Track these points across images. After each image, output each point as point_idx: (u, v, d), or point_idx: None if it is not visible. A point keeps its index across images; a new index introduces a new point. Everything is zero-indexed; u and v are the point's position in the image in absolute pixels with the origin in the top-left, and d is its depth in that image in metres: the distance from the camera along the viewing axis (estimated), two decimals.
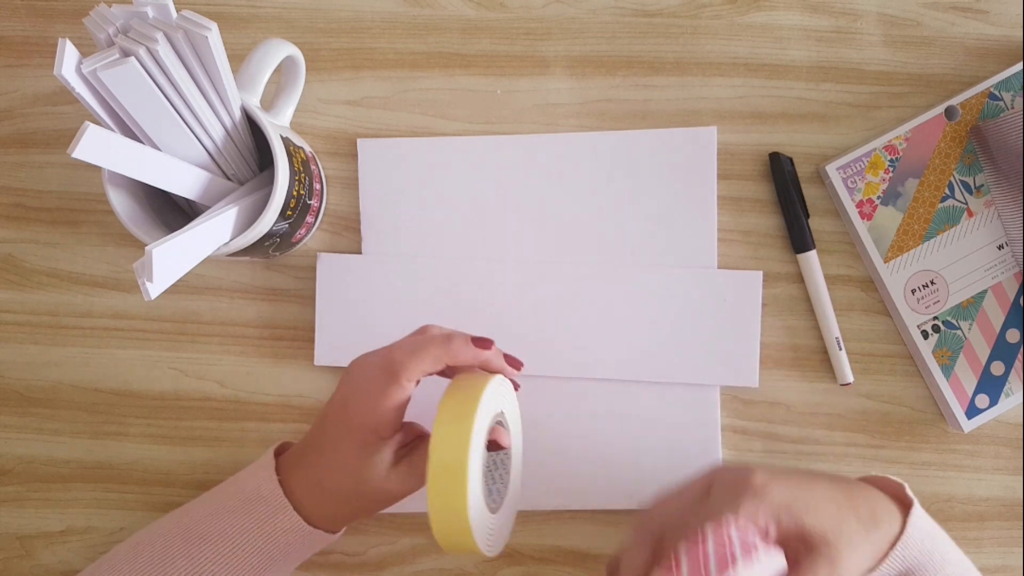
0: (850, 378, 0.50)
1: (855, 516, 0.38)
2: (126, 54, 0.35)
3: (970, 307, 0.50)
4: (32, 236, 0.51)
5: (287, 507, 0.41)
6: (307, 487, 0.42)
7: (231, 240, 0.41)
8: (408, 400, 0.41)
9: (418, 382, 0.41)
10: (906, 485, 0.42)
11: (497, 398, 0.40)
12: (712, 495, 0.38)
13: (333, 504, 0.42)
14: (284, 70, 0.47)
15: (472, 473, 0.35)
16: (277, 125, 0.45)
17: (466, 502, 0.35)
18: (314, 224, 0.49)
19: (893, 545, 0.39)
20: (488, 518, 0.38)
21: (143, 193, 0.43)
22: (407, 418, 0.42)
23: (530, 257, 0.51)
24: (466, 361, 0.41)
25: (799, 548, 0.37)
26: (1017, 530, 0.51)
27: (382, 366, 0.41)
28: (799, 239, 0.50)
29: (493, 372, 0.41)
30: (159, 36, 0.35)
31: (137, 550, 0.43)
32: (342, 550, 0.51)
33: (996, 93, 0.49)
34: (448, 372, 0.42)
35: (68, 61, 0.34)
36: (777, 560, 0.35)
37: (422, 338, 0.41)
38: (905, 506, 0.40)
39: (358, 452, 0.41)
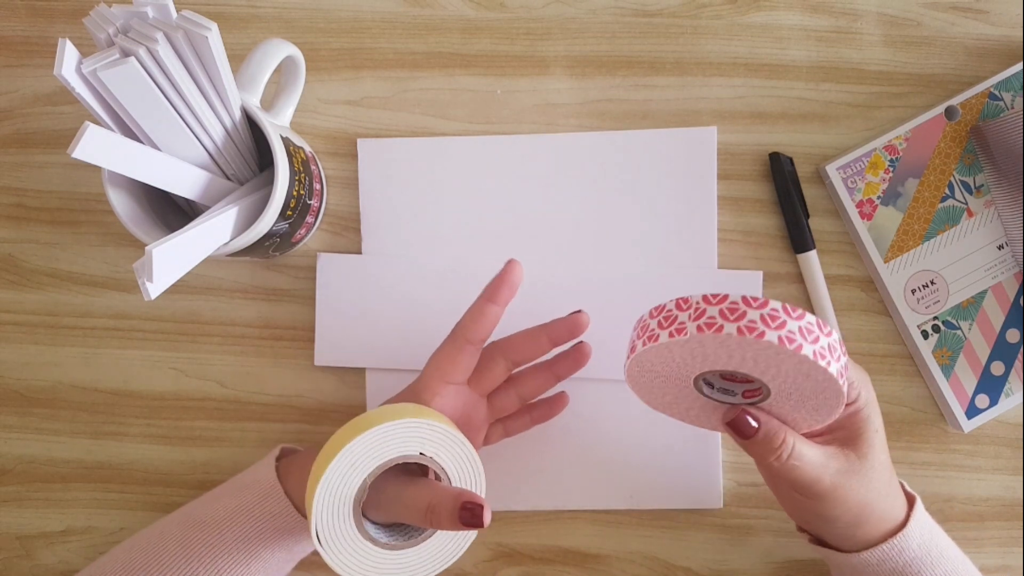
0: None
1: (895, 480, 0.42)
2: (126, 54, 0.35)
3: (970, 307, 0.50)
4: (32, 236, 0.51)
5: (277, 489, 0.42)
6: (303, 480, 0.42)
7: (231, 240, 0.41)
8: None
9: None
10: (904, 484, 0.43)
11: (410, 441, 0.38)
12: None
13: None
14: (284, 70, 0.47)
15: (341, 469, 0.36)
16: (277, 125, 0.45)
17: (315, 489, 0.36)
18: (314, 224, 0.49)
19: (895, 533, 0.41)
20: (366, 549, 0.37)
21: (143, 193, 0.43)
22: None
23: (530, 257, 0.50)
24: (484, 322, 0.41)
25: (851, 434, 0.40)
26: (1017, 530, 0.51)
27: (412, 388, 0.43)
28: (799, 239, 0.50)
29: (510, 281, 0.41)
30: (159, 36, 0.35)
31: (136, 539, 0.44)
32: None
33: (996, 93, 0.49)
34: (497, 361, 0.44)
35: (68, 61, 0.34)
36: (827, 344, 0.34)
37: (438, 351, 0.43)
38: (909, 501, 0.42)
39: None
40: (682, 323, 0.34)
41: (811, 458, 0.38)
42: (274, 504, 0.42)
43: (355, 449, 0.36)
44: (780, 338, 0.32)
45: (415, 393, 0.42)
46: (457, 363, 0.42)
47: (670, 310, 0.35)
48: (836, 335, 0.34)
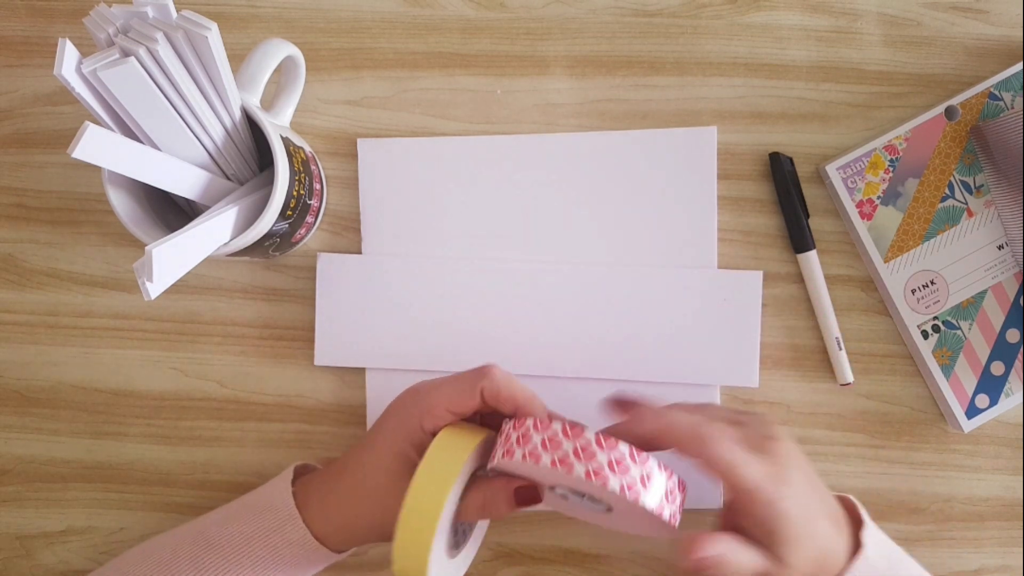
0: (850, 378, 0.50)
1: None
2: (126, 54, 0.35)
3: (970, 307, 0.50)
4: (32, 236, 0.51)
5: (296, 518, 0.41)
6: (322, 508, 0.42)
7: (231, 240, 0.41)
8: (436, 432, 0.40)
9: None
10: (859, 504, 0.43)
11: (486, 454, 0.40)
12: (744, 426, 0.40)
13: (346, 528, 0.42)
14: (284, 70, 0.47)
15: (439, 533, 0.36)
16: (277, 125, 0.45)
17: (427, 557, 0.35)
18: (314, 224, 0.49)
19: (852, 560, 0.40)
20: (444, 565, 0.39)
21: (143, 193, 0.43)
22: None
23: (530, 257, 0.51)
24: (504, 395, 0.39)
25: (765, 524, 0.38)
26: (1017, 530, 0.51)
27: (412, 394, 0.42)
28: (799, 239, 0.50)
29: (530, 414, 0.39)
30: (159, 36, 0.35)
31: (147, 553, 0.43)
32: (343, 557, 0.51)
33: (996, 93, 0.49)
34: (494, 408, 0.41)
35: (68, 61, 0.34)
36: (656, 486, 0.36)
37: (459, 372, 0.41)
38: (856, 523, 0.42)
39: (383, 475, 0.41)
40: (536, 451, 0.36)
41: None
42: (292, 532, 0.41)
43: (440, 524, 0.36)
44: (621, 486, 0.35)
45: (419, 412, 0.41)
46: (467, 405, 0.40)
47: (527, 431, 0.37)
48: (675, 478, 0.37)
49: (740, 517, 0.39)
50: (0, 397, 0.51)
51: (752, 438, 0.39)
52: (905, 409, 0.51)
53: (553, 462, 0.35)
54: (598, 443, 0.35)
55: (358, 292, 0.50)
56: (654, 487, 0.36)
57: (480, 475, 0.41)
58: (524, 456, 0.36)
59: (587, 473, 0.34)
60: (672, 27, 0.51)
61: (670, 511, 0.36)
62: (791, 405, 0.51)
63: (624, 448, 0.35)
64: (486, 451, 0.40)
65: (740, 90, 0.51)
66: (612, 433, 0.39)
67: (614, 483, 0.34)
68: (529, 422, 0.37)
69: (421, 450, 0.39)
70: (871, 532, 0.41)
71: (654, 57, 0.51)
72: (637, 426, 0.40)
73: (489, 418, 0.43)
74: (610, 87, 0.51)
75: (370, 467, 0.41)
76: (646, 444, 0.38)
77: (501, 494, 0.38)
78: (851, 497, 0.43)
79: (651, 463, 0.36)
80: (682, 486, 0.38)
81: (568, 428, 0.36)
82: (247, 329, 0.51)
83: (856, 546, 0.40)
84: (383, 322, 0.50)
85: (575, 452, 0.35)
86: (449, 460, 0.37)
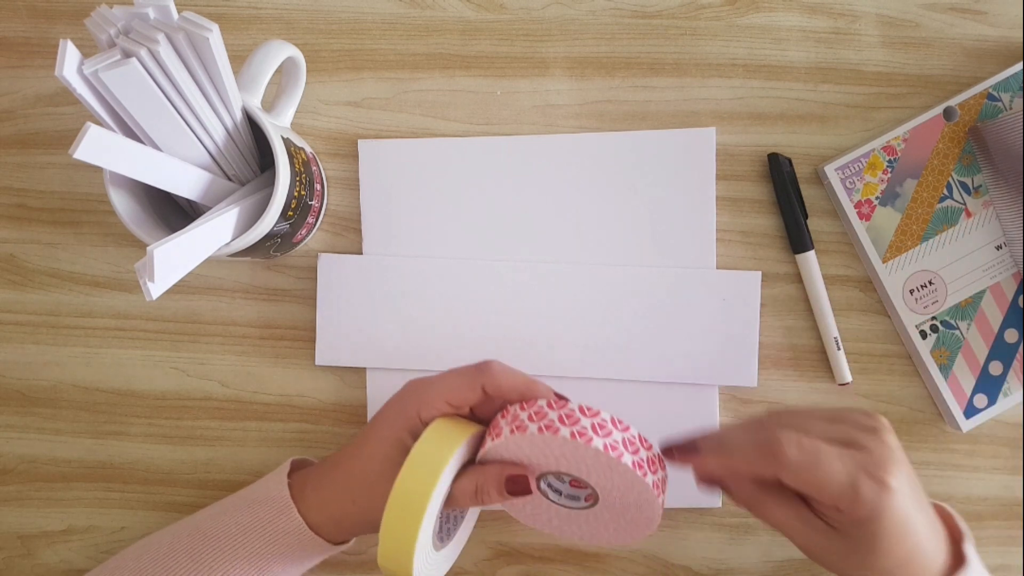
0: (848, 378, 0.50)
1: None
2: (127, 55, 0.35)
3: (968, 307, 0.50)
4: (34, 236, 0.51)
5: (291, 508, 0.42)
6: (318, 498, 0.42)
7: (232, 240, 0.41)
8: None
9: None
10: (958, 516, 0.41)
11: (477, 447, 0.40)
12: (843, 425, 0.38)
13: (341, 518, 0.42)
14: (285, 71, 0.47)
15: (427, 519, 0.36)
16: (278, 126, 0.45)
17: (414, 539, 0.36)
18: (315, 224, 0.49)
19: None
20: (431, 555, 0.39)
21: (144, 193, 0.44)
22: None
23: (530, 257, 0.51)
24: (507, 386, 0.40)
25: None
26: (1016, 529, 0.51)
27: (412, 386, 0.43)
28: (798, 239, 0.50)
29: (534, 397, 0.40)
30: (160, 37, 0.35)
31: (145, 548, 0.44)
32: (342, 549, 0.51)
33: (994, 94, 0.49)
34: (496, 403, 0.41)
35: (69, 62, 0.35)
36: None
37: (460, 367, 0.42)
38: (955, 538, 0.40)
39: (377, 462, 0.41)
40: (522, 424, 0.38)
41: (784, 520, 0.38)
42: (287, 523, 0.42)
43: (429, 509, 0.37)
44: (605, 445, 0.36)
45: (417, 402, 0.41)
46: (466, 398, 0.41)
47: (515, 413, 0.39)
48: (655, 449, 0.39)
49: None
50: (2, 397, 0.51)
51: (842, 431, 0.37)
52: (903, 409, 0.51)
53: (540, 429, 0.37)
54: (581, 411, 0.37)
55: (358, 292, 0.50)
56: (635, 450, 0.37)
57: (471, 467, 0.41)
58: (512, 431, 0.37)
59: (572, 434, 0.36)
60: (671, 28, 0.51)
61: (653, 479, 0.37)
62: (790, 405, 0.51)
63: (606, 415, 0.37)
64: (477, 445, 0.40)
65: (739, 91, 0.51)
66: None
67: (597, 442, 0.36)
68: (515, 407, 0.39)
69: (417, 438, 0.39)
70: (973, 548, 0.39)
71: (653, 58, 0.51)
72: (702, 473, 0.40)
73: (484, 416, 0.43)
74: (609, 88, 0.51)
75: (366, 455, 0.42)
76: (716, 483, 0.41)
77: (493, 480, 0.39)
78: (949, 508, 0.42)
79: (633, 431, 0.38)
80: (663, 464, 0.39)
81: (553, 402, 0.38)
82: (248, 329, 0.51)
83: (956, 559, 0.38)
84: (383, 322, 0.50)
85: (560, 419, 0.37)
86: (441, 447, 0.38)
